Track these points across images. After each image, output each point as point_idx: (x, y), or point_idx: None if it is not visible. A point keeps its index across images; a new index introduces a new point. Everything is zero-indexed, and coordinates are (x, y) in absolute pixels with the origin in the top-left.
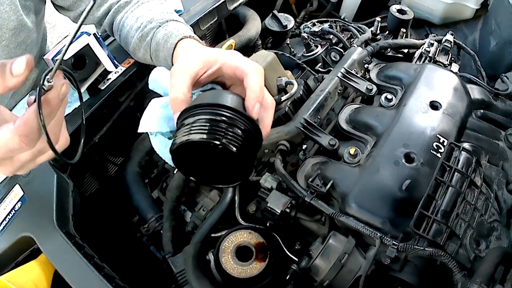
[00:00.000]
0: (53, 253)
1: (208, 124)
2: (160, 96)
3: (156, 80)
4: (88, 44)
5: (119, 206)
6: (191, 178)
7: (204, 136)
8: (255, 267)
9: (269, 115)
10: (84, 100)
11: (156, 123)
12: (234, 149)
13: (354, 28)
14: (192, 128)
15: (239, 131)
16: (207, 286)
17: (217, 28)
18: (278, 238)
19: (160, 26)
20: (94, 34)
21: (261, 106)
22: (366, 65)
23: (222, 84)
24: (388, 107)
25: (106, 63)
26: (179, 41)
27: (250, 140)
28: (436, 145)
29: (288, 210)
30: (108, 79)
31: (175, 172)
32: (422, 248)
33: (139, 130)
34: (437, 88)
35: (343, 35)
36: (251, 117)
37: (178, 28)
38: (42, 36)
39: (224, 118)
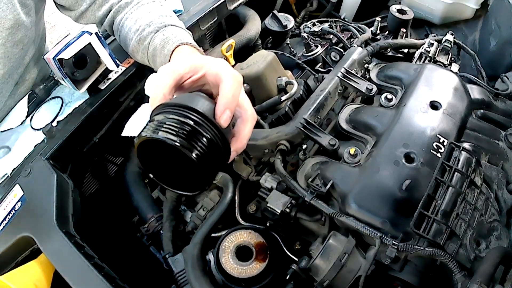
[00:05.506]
0: (53, 253)
1: (174, 125)
2: None
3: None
4: (89, 43)
5: (119, 206)
6: (151, 176)
7: (167, 136)
8: (255, 267)
9: (247, 128)
10: (84, 100)
11: (139, 129)
12: (194, 156)
13: (354, 28)
14: (158, 126)
15: (204, 139)
16: (207, 286)
17: (217, 28)
18: (278, 238)
19: (158, 31)
20: (96, 33)
21: (240, 118)
22: (366, 65)
23: (209, 94)
24: (388, 107)
25: (108, 62)
26: (176, 47)
27: (214, 151)
28: (436, 145)
29: (288, 210)
30: (108, 79)
31: None
32: (422, 248)
33: (123, 134)
34: (437, 88)
35: (343, 35)
36: (218, 124)
37: (176, 34)
38: (41, 35)
39: (189, 121)
